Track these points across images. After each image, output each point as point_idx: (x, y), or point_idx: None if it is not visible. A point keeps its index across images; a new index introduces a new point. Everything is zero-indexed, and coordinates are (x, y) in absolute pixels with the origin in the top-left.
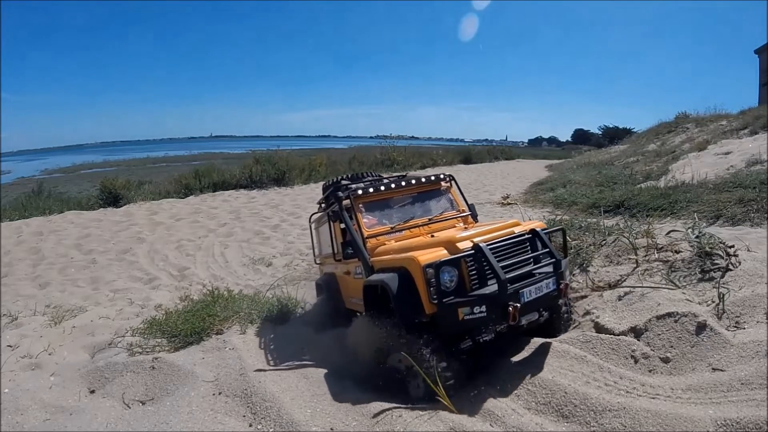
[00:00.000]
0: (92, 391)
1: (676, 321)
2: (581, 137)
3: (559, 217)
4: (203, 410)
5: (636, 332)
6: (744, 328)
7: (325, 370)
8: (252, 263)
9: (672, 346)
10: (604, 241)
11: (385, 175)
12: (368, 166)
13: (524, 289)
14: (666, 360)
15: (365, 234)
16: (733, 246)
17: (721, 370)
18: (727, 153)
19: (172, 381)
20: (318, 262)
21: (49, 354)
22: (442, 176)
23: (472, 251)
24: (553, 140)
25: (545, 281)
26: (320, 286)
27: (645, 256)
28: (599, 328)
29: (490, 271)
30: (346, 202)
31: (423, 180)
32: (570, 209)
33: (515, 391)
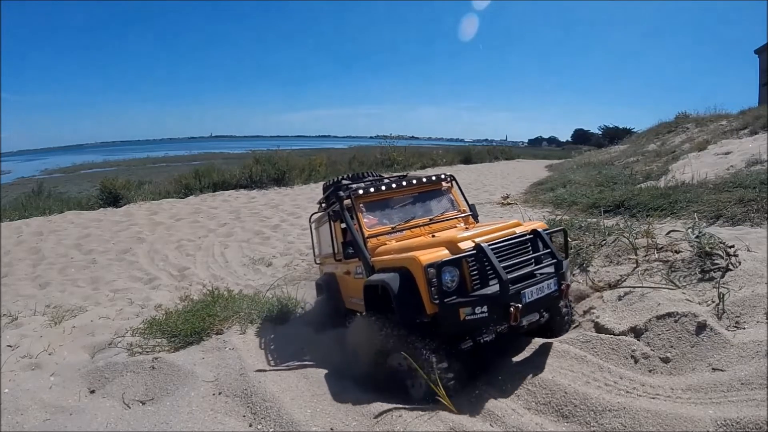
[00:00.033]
0: (92, 391)
1: (676, 321)
2: (581, 137)
3: (559, 217)
4: (203, 410)
5: (636, 332)
6: (744, 328)
7: (326, 370)
8: (252, 263)
9: (672, 346)
10: (604, 241)
11: (385, 175)
12: (368, 166)
13: (526, 290)
14: (666, 360)
15: (366, 234)
16: (733, 246)
17: (721, 370)
18: (727, 153)
19: (172, 381)
20: (318, 262)
21: (49, 354)
22: (443, 176)
23: (474, 251)
24: (553, 140)
25: (547, 282)
26: (320, 286)
27: (645, 256)
28: (599, 328)
29: (491, 272)
30: (346, 201)
31: (424, 180)
32: (570, 209)
33: (515, 391)
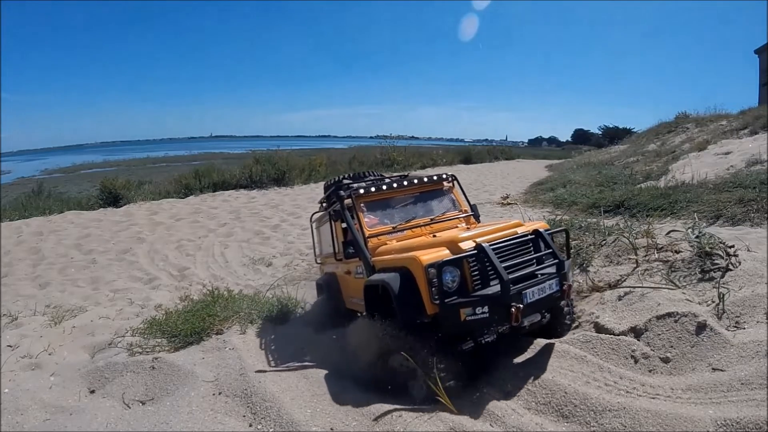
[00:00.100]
0: (92, 391)
1: (676, 321)
2: (581, 137)
3: (559, 217)
4: (203, 410)
5: (636, 332)
6: (744, 328)
7: (326, 371)
8: (252, 263)
9: (672, 346)
10: (604, 241)
11: (386, 175)
12: (368, 166)
13: (527, 290)
14: (666, 360)
15: (367, 233)
16: (733, 246)
17: (721, 370)
18: (727, 153)
19: (172, 381)
20: (319, 261)
21: (49, 354)
22: (444, 176)
23: (475, 251)
24: (553, 140)
25: (548, 282)
26: (321, 285)
27: (645, 256)
28: (599, 328)
29: (492, 272)
30: (347, 201)
31: (425, 180)
32: (570, 209)
33: (515, 391)
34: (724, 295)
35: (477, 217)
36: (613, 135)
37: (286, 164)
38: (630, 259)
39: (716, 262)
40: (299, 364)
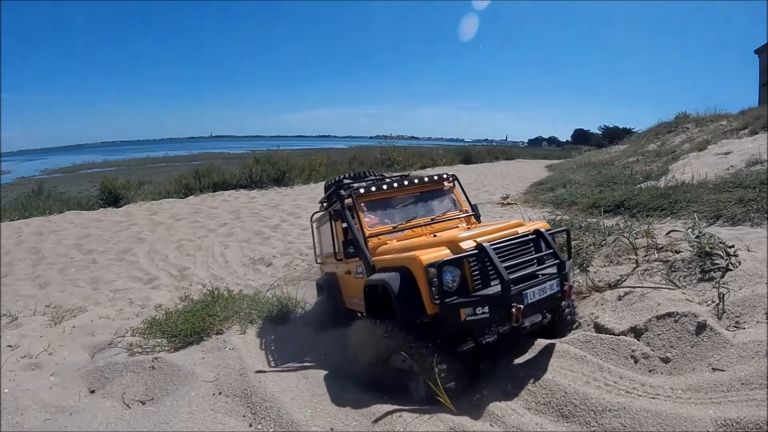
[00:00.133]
0: (92, 391)
1: (676, 321)
2: (581, 137)
3: (559, 217)
4: (203, 410)
5: (636, 332)
6: (744, 328)
7: (326, 371)
8: (252, 263)
9: (672, 346)
10: (604, 241)
11: (387, 175)
12: (368, 166)
13: (528, 290)
14: (666, 360)
15: (367, 233)
16: (733, 246)
17: (721, 370)
18: (727, 153)
19: (172, 381)
20: (319, 261)
21: (49, 354)
22: (445, 176)
23: (475, 251)
24: (553, 140)
25: (549, 282)
26: (321, 285)
27: (645, 256)
28: (599, 328)
29: (493, 272)
30: (348, 200)
31: (426, 179)
32: (570, 209)
33: (515, 392)
34: (724, 295)
35: (478, 217)
36: (613, 135)
37: (286, 164)
38: (630, 259)
39: (716, 262)
40: (299, 364)
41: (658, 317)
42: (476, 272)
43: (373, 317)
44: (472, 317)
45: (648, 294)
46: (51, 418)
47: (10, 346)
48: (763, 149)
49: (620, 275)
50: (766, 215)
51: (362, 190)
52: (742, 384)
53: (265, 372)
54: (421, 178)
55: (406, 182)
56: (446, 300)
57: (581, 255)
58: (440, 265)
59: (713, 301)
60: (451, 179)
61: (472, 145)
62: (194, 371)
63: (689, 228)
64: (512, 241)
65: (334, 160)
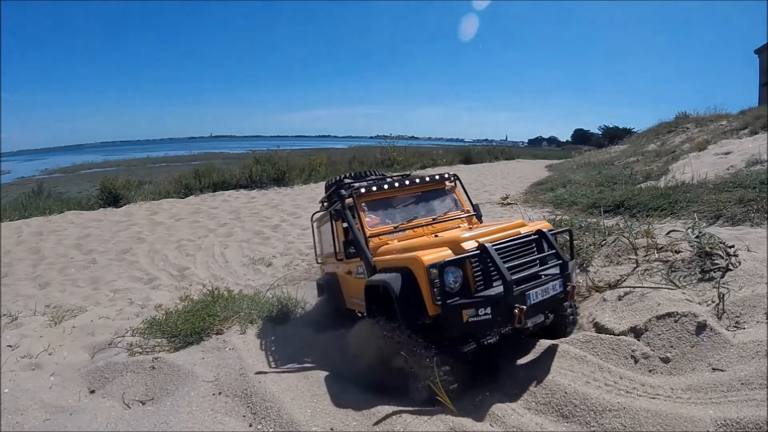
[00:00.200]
0: (92, 391)
1: (676, 321)
2: (581, 137)
3: (559, 217)
4: (203, 410)
5: (636, 332)
6: (744, 328)
7: (326, 371)
8: (252, 263)
9: (672, 346)
10: (604, 241)
11: (387, 175)
12: (368, 166)
13: (530, 291)
14: (666, 360)
15: (368, 233)
16: (733, 246)
17: (721, 370)
18: (727, 153)
19: (172, 381)
20: (319, 261)
21: (49, 354)
22: (446, 175)
23: (477, 251)
24: (553, 140)
25: (552, 283)
26: (321, 286)
27: (645, 256)
28: (599, 328)
29: (495, 272)
30: (349, 200)
31: (427, 179)
32: (570, 209)
33: (515, 392)
34: (724, 295)
35: (479, 216)
36: (613, 135)
37: (286, 164)
38: (630, 259)
39: (716, 262)
40: (299, 364)
41: (658, 317)
42: (478, 273)
43: (373, 317)
44: (475, 318)
45: (648, 294)
46: (51, 418)
47: (10, 346)
48: (763, 149)
49: (620, 275)
50: (766, 215)
51: (363, 190)
52: (742, 384)
53: (265, 372)
54: (422, 178)
55: (407, 182)
56: (448, 301)
57: (581, 255)
58: (442, 266)
59: (713, 301)
60: (452, 179)
61: (472, 145)
62: (194, 371)
63: (689, 228)
64: (514, 242)
65: (334, 160)
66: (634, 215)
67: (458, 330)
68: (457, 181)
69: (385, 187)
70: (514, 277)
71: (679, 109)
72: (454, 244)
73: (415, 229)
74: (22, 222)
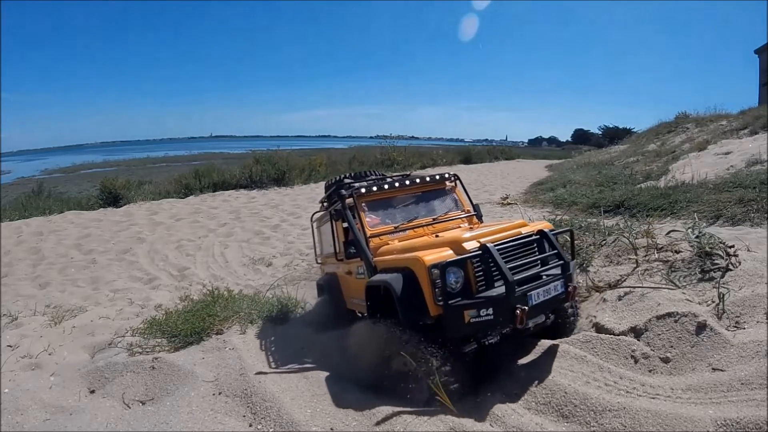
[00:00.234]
0: (92, 391)
1: (676, 321)
2: (581, 137)
3: (559, 217)
4: (203, 410)
5: (636, 332)
6: (744, 328)
7: (326, 371)
8: (252, 263)
9: (672, 346)
10: (604, 241)
11: (387, 175)
12: (368, 166)
13: (532, 292)
14: (666, 360)
15: (368, 233)
16: (733, 246)
17: (721, 370)
18: (727, 153)
19: (172, 381)
20: (319, 261)
21: (49, 354)
22: (446, 175)
23: (479, 252)
24: (553, 140)
25: (553, 283)
26: (321, 286)
27: (645, 256)
28: (599, 328)
29: (497, 273)
30: (349, 200)
31: (427, 179)
32: (570, 209)
33: (515, 392)
34: (724, 295)
35: (480, 216)
36: (613, 135)
37: (286, 164)
38: (630, 259)
39: (716, 262)
40: (299, 365)
41: (658, 317)
42: (480, 273)
43: (374, 318)
44: (476, 319)
45: (648, 294)
46: (51, 418)
47: (10, 346)
48: (763, 149)
49: (620, 275)
50: (766, 215)
51: (363, 190)
52: (742, 384)
53: (265, 372)
54: (422, 178)
55: (407, 182)
56: (450, 301)
57: (581, 255)
58: (444, 266)
59: (713, 301)
60: (452, 179)
61: (472, 145)
62: (194, 371)
63: (689, 228)
64: (516, 242)
65: (334, 160)
66: (634, 215)
67: (460, 330)
68: (458, 181)
69: (386, 187)
70: (516, 277)
71: (679, 109)
72: (456, 245)
73: (415, 230)
74: (22, 222)
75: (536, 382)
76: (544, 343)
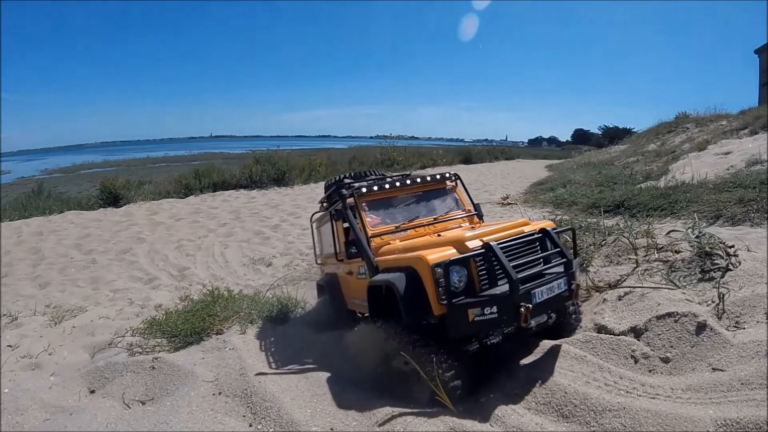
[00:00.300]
0: (92, 391)
1: (676, 321)
2: (581, 137)
3: (559, 217)
4: (203, 410)
5: (636, 332)
6: (744, 328)
7: (326, 371)
8: (252, 263)
9: (672, 346)
10: (604, 241)
11: (387, 175)
12: (368, 166)
13: (536, 290)
14: (666, 360)
15: (369, 233)
16: (733, 246)
17: (721, 370)
18: (727, 153)
19: (172, 381)
20: (319, 262)
21: (49, 354)
22: (447, 175)
23: (482, 250)
24: (553, 140)
25: (556, 282)
26: (321, 286)
27: (645, 256)
28: (599, 328)
29: (500, 271)
30: (349, 200)
31: (428, 179)
32: (570, 209)
33: (516, 392)
34: (724, 295)
35: (480, 216)
36: (613, 135)
37: (286, 164)
38: (630, 259)
39: (716, 262)
40: (299, 365)
41: (658, 317)
42: (483, 272)
43: (376, 318)
44: (481, 317)
45: (648, 294)
46: (51, 418)
47: (10, 346)
48: (763, 149)
49: (620, 275)
50: (766, 215)
51: (364, 190)
52: (742, 384)
53: (265, 372)
54: (423, 178)
55: (408, 181)
56: (454, 300)
57: (581, 255)
58: (447, 265)
59: (713, 301)
60: (453, 178)
61: (472, 145)
62: (194, 371)
63: (689, 228)
64: (518, 240)
65: (334, 160)
66: (634, 215)
67: (464, 329)
68: (458, 181)
69: (386, 186)
70: (519, 275)
71: (679, 109)
72: (459, 243)
73: (416, 229)
74: (22, 222)
75: (536, 382)
76: (545, 343)
